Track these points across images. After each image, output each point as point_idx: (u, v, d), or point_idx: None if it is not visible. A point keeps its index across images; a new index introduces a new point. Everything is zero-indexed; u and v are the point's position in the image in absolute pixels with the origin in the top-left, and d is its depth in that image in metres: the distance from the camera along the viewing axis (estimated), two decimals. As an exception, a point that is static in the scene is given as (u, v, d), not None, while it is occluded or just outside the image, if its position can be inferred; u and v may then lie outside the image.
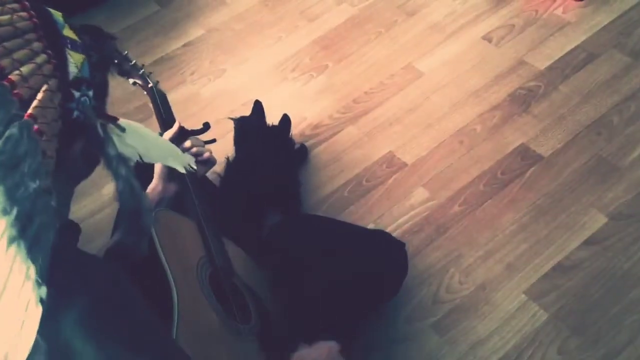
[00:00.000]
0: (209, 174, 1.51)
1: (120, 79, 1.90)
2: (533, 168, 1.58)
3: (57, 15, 0.71)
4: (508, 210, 1.51)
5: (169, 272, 0.99)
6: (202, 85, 1.92)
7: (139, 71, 1.27)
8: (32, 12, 0.66)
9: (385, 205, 1.56)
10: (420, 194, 1.57)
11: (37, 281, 0.58)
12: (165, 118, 1.24)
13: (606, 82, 1.74)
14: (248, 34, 2.05)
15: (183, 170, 0.99)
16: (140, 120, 1.81)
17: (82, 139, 0.71)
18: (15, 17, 0.64)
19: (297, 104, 1.82)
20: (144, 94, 1.30)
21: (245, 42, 2.03)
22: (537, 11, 1.95)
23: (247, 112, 1.67)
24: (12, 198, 0.57)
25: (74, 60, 0.68)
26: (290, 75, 1.91)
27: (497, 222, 1.49)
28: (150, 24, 2.13)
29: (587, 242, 1.43)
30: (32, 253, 0.58)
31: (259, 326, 1.11)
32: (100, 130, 0.71)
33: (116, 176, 0.72)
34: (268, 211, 1.53)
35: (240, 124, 1.65)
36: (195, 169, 1.08)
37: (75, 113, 0.68)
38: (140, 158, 0.82)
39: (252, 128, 1.64)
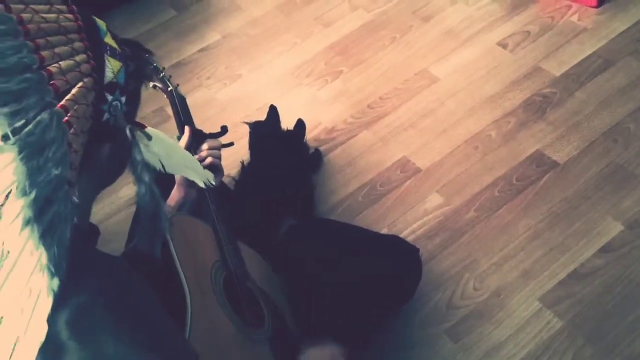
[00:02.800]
0: (224, 178, 1.53)
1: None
2: (548, 175, 1.58)
3: (101, 23, 0.74)
4: (523, 216, 1.51)
5: (182, 276, 1.00)
6: (217, 89, 1.93)
7: (160, 74, 1.29)
8: (77, 15, 0.70)
9: (399, 210, 1.57)
10: (434, 199, 1.57)
11: (49, 270, 0.59)
12: (184, 121, 1.25)
13: (622, 89, 1.73)
14: (264, 39, 2.07)
15: (202, 185, 1.01)
16: (157, 124, 1.83)
17: (110, 142, 0.73)
18: (61, 17, 0.68)
19: (311, 108, 1.83)
20: (161, 98, 1.31)
21: (261, 48, 2.04)
22: (553, 18, 1.95)
23: (262, 116, 1.68)
24: (33, 180, 0.59)
25: (112, 66, 0.71)
26: (305, 80, 1.92)
27: (512, 229, 1.49)
28: (167, 29, 2.15)
29: (603, 250, 1.42)
30: (45, 239, 0.59)
31: (272, 331, 1.11)
32: (129, 134, 0.74)
33: (139, 181, 0.75)
34: (282, 215, 1.54)
35: (255, 128, 1.66)
36: (214, 185, 1.09)
37: (106, 115, 0.70)
38: (162, 167, 0.84)
39: (267, 132, 1.65)
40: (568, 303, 1.35)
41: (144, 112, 1.86)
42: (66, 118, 0.62)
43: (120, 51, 0.74)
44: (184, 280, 0.99)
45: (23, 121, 0.59)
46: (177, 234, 1.05)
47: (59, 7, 0.69)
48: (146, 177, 0.75)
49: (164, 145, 0.86)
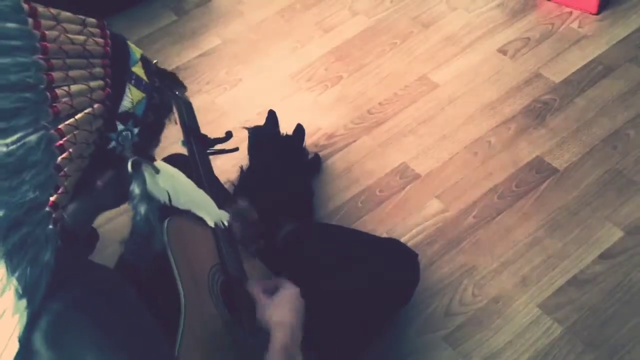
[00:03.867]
0: (223, 183, 1.52)
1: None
2: (548, 181, 1.57)
3: (136, 51, 0.73)
4: (522, 223, 1.50)
5: (179, 280, 0.99)
6: (217, 94, 1.94)
7: None
8: (109, 40, 0.68)
9: (398, 216, 1.56)
10: (434, 205, 1.57)
11: (16, 289, 0.58)
12: (189, 126, 1.25)
13: (622, 95, 1.73)
14: (264, 44, 2.07)
15: (212, 225, 1.00)
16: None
17: (113, 169, 0.72)
18: (90, 40, 0.66)
19: (311, 114, 1.83)
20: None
21: (261, 53, 2.04)
22: (553, 24, 1.95)
23: (262, 121, 1.68)
24: (1, 200, 0.58)
25: (132, 96, 0.69)
26: (305, 85, 1.92)
27: (512, 235, 1.49)
28: (167, 34, 2.15)
29: (602, 256, 1.42)
30: (11, 259, 0.58)
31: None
32: (129, 167, 0.72)
33: (135, 212, 0.73)
34: (281, 220, 1.53)
35: (255, 133, 1.66)
36: (226, 226, 1.07)
37: (113, 144, 0.69)
38: (169, 201, 0.83)
39: (266, 137, 1.65)
40: (567, 309, 1.35)
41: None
42: (60, 142, 0.61)
43: (147, 82, 0.72)
44: (179, 284, 0.98)
45: (7, 140, 0.58)
46: (175, 237, 1.04)
47: (92, 29, 0.67)
48: (143, 210, 0.73)
49: (172, 181, 0.84)
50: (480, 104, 1.77)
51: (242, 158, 1.64)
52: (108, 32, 0.69)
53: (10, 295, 0.58)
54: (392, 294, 1.27)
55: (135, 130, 0.71)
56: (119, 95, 0.68)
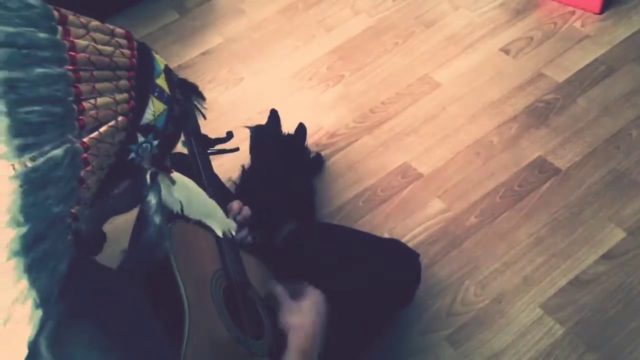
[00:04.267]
0: (225, 182, 1.52)
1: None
2: (550, 181, 1.57)
3: (160, 62, 0.72)
4: (525, 222, 1.50)
5: (181, 286, 0.98)
6: (219, 93, 1.93)
7: None
8: (135, 52, 0.67)
9: (400, 216, 1.56)
10: (435, 205, 1.57)
11: (34, 300, 0.57)
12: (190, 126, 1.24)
13: (625, 95, 1.72)
14: (266, 43, 2.07)
15: (220, 234, 0.99)
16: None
17: (130, 179, 0.70)
18: (117, 51, 0.64)
19: (313, 113, 1.82)
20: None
21: (263, 51, 2.04)
22: (555, 24, 1.94)
23: (263, 120, 1.68)
24: (28, 215, 0.57)
25: (154, 109, 0.68)
26: (307, 84, 1.91)
27: (514, 235, 1.48)
28: (169, 32, 2.15)
29: (605, 257, 1.42)
30: (31, 272, 0.57)
31: (271, 342, 1.10)
32: (148, 178, 0.70)
33: (149, 222, 0.72)
34: (282, 219, 1.53)
35: (256, 132, 1.65)
36: (233, 236, 1.06)
37: (132, 155, 0.67)
38: (182, 210, 0.82)
39: (267, 136, 1.65)
40: (569, 310, 1.34)
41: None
42: (85, 155, 0.60)
43: (169, 94, 0.70)
44: (182, 290, 0.98)
45: (33, 154, 0.56)
46: (178, 242, 1.03)
47: (119, 40, 0.65)
48: (157, 220, 0.71)
49: (187, 191, 0.83)
50: (483, 103, 1.77)
51: (243, 157, 1.64)
52: (135, 43, 0.68)
53: (28, 305, 0.58)
54: (393, 295, 1.27)
55: (155, 143, 0.69)
56: (142, 108, 0.66)
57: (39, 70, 0.56)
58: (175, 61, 2.04)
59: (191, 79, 2.19)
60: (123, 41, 0.66)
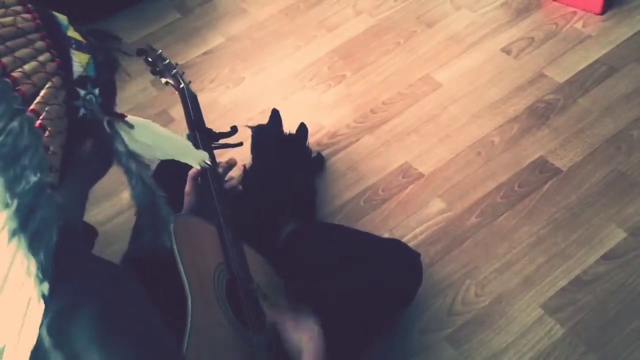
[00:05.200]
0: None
1: (141, 86, 1.92)
2: (551, 181, 1.57)
3: (62, 18, 0.73)
4: (525, 223, 1.50)
5: (185, 278, 0.99)
6: (221, 92, 1.94)
7: (172, 71, 1.28)
8: (35, 14, 0.69)
9: (401, 215, 1.56)
10: (436, 205, 1.57)
11: (37, 276, 0.59)
12: (194, 119, 1.25)
13: (626, 96, 1.72)
14: (267, 42, 2.07)
15: (197, 167, 0.99)
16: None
17: (91, 137, 0.72)
18: (18, 18, 0.67)
19: (314, 112, 1.83)
20: (164, 100, 1.31)
21: (265, 51, 2.04)
22: (557, 24, 1.94)
23: (265, 120, 1.68)
24: (12, 191, 0.59)
25: (79, 60, 0.70)
26: (308, 84, 1.92)
27: (514, 235, 1.48)
28: (171, 32, 2.15)
29: (606, 257, 1.42)
30: (33, 248, 0.59)
31: (272, 336, 1.10)
32: (107, 127, 0.72)
33: (127, 172, 0.73)
34: (283, 219, 1.53)
35: (258, 132, 1.66)
36: (209, 165, 1.06)
37: (82, 111, 0.70)
38: (152, 154, 0.82)
39: (269, 136, 1.65)
40: (570, 310, 1.35)
41: (147, 115, 1.86)
42: (39, 122, 0.62)
43: (86, 43, 0.72)
44: (186, 283, 0.98)
45: None
46: (181, 236, 1.04)
47: (14, 8, 0.67)
48: (134, 166, 0.73)
49: (149, 132, 0.82)
50: (484, 103, 1.77)
51: (245, 157, 1.64)
52: (30, 6, 0.69)
53: (34, 282, 0.59)
54: (394, 295, 1.27)
55: (97, 91, 0.71)
56: (68, 63, 0.69)
57: None
58: (177, 61, 2.01)
59: (193, 79, 2.20)
60: (18, 8, 0.68)
